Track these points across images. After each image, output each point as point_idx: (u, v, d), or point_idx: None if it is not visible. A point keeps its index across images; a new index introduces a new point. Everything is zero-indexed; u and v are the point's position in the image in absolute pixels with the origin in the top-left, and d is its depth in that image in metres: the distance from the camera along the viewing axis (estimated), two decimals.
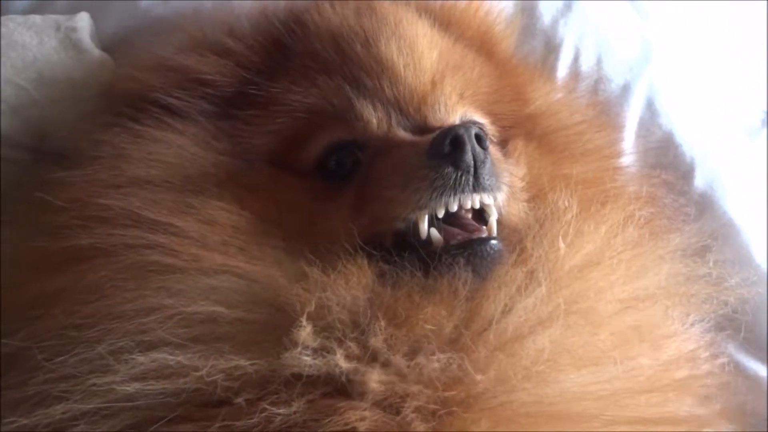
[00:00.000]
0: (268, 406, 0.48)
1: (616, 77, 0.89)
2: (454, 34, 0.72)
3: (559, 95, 0.82)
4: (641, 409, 0.55)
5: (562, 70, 0.88)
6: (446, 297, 0.52)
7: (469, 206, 0.57)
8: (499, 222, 0.59)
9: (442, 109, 0.64)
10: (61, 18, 0.73)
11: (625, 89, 0.89)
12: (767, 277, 0.85)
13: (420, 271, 0.54)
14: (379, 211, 0.58)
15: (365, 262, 0.55)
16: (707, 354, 0.66)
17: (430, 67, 0.66)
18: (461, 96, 0.67)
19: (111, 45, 0.76)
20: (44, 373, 0.53)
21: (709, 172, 0.88)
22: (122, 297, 0.55)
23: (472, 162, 0.56)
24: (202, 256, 0.55)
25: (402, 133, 0.60)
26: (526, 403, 0.51)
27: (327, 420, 0.48)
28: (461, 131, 0.56)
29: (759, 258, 0.85)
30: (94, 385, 0.51)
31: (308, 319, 0.51)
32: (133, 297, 0.54)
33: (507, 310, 0.53)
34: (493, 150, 0.62)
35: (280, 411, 0.48)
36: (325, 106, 0.64)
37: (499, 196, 0.59)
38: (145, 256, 0.55)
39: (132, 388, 0.50)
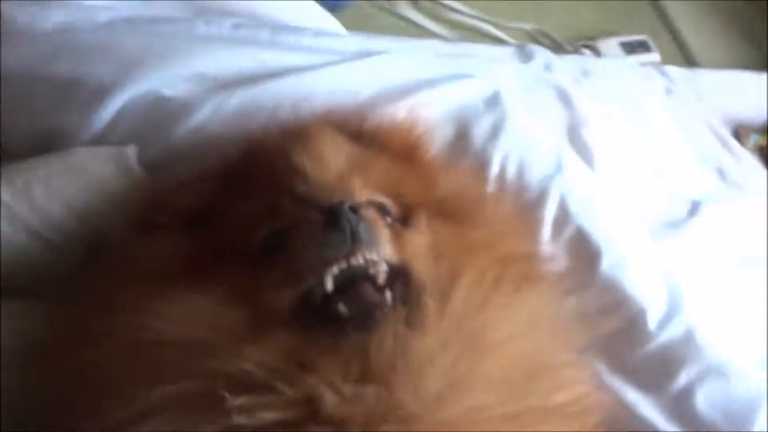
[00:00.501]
0: None
1: (533, 185, 1.11)
2: (368, 143, 0.92)
3: (463, 179, 1.00)
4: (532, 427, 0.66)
5: (491, 179, 1.11)
6: (350, 348, 0.67)
7: (354, 262, 0.71)
8: (407, 276, 0.76)
9: (349, 196, 0.77)
10: (116, 150, 0.97)
11: (542, 193, 1.10)
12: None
13: (330, 332, 0.68)
14: (296, 270, 0.72)
15: (287, 328, 0.69)
16: (590, 384, 0.79)
17: (335, 167, 0.81)
18: (365, 185, 0.80)
19: (151, 168, 1.00)
20: None
21: (615, 257, 1.07)
22: (121, 372, 0.68)
23: (348, 225, 0.70)
24: (173, 330, 0.68)
25: (313, 215, 0.75)
26: (443, 421, 0.63)
27: None
28: (335, 206, 0.72)
29: (651, 325, 1.03)
30: None
31: (235, 386, 0.63)
32: (128, 374, 0.67)
33: (404, 349, 0.66)
34: (372, 216, 0.77)
35: None
36: (260, 208, 0.79)
37: (382, 250, 0.73)
38: (136, 335, 0.68)
39: None
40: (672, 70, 1.85)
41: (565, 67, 1.56)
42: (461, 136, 1.14)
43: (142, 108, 1.05)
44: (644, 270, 1.11)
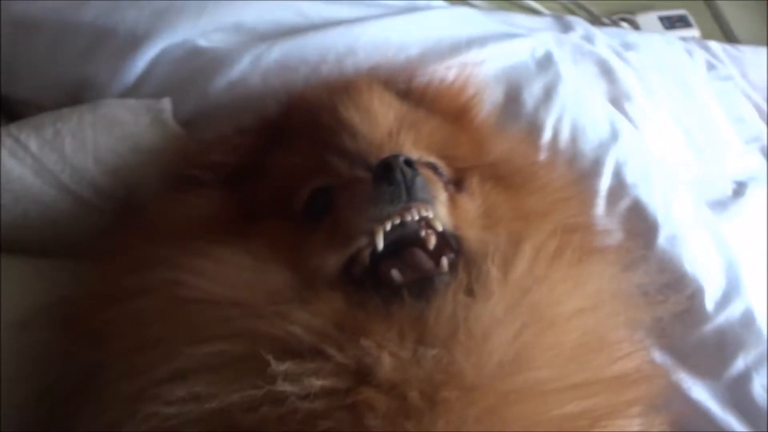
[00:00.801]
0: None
1: (588, 152, 1.05)
2: (417, 102, 0.87)
3: (515, 144, 0.95)
4: (595, 403, 0.64)
5: (543, 146, 1.04)
6: (406, 316, 0.63)
7: (409, 218, 0.67)
8: (459, 242, 0.72)
9: (399, 149, 0.75)
10: (150, 102, 0.92)
11: (596, 162, 1.04)
12: None
13: (383, 298, 0.64)
14: (345, 230, 0.68)
15: (334, 291, 0.65)
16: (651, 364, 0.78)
17: (385, 123, 0.78)
18: (415, 144, 0.77)
19: (187, 123, 0.95)
20: (109, 400, 0.63)
21: (671, 232, 1.01)
22: (157, 330, 0.64)
23: (402, 178, 0.66)
24: (214, 290, 0.66)
25: (362, 173, 0.73)
26: (506, 392, 0.60)
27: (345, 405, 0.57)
28: (390, 158, 0.68)
29: (709, 306, 0.98)
30: (147, 410, 0.59)
31: (280, 350, 0.59)
32: (166, 331, 0.64)
33: (465, 318, 0.63)
34: (428, 172, 0.73)
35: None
36: (307, 164, 0.78)
37: (439, 209, 0.70)
38: (173, 291, 0.66)
39: (177, 410, 0.58)
40: (714, 45, 1.77)
41: (606, 39, 1.49)
42: (512, 98, 1.08)
43: (177, 59, 0.99)
44: (701, 245, 1.05)
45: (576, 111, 1.09)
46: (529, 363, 0.63)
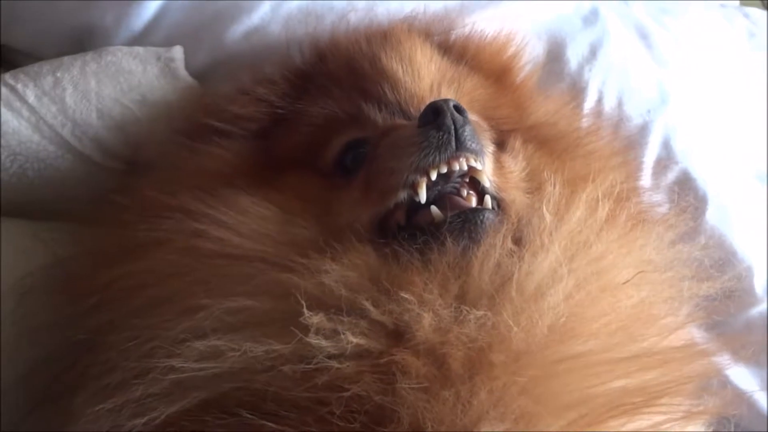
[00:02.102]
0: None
1: (635, 117, 0.96)
2: (458, 57, 0.80)
3: (558, 108, 0.87)
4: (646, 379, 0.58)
5: (587, 109, 0.95)
6: (447, 264, 0.57)
7: (457, 168, 0.60)
8: (501, 205, 0.65)
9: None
10: (160, 50, 0.83)
11: (644, 128, 0.95)
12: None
13: (422, 248, 0.58)
14: (383, 182, 0.62)
15: (367, 245, 0.60)
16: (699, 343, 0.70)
17: (428, 76, 0.74)
18: (458, 100, 0.69)
19: (200, 74, 0.87)
20: (120, 360, 0.57)
21: (720, 206, 0.93)
22: (173, 285, 0.60)
23: (452, 125, 0.60)
24: (237, 242, 0.61)
25: (402, 122, 0.67)
26: (555, 360, 0.55)
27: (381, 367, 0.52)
28: (440, 101, 0.62)
29: (758, 288, 0.90)
30: (161, 368, 0.54)
31: (315, 305, 0.55)
32: (183, 286, 0.59)
33: (522, 268, 0.57)
34: (475, 120, 0.66)
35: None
36: (339, 114, 0.72)
37: (486, 162, 0.64)
38: (192, 242, 0.61)
39: (194, 367, 0.54)
40: (754, 12, 1.64)
41: (643, 2, 1.37)
42: (554, 56, 0.98)
43: (189, 4, 0.89)
44: (752, 224, 0.96)
45: (623, 72, 0.99)
46: (580, 329, 0.57)
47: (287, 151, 0.73)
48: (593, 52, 0.99)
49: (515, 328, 0.54)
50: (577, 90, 0.96)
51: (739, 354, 0.88)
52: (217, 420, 0.52)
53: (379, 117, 0.69)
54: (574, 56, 0.98)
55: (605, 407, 0.55)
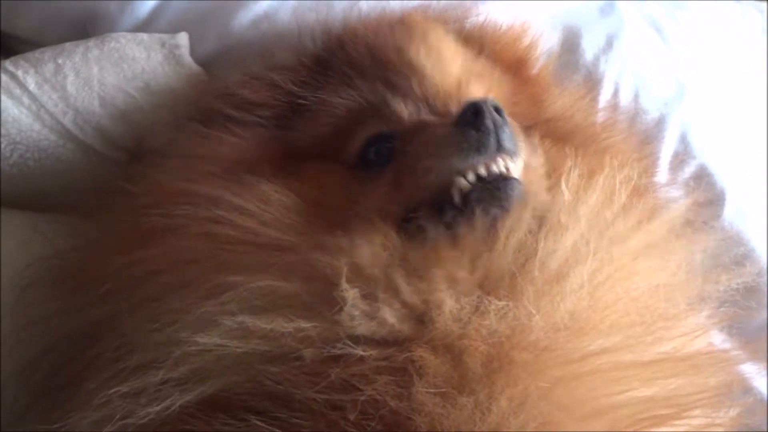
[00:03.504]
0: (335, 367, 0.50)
1: (651, 111, 0.91)
2: (478, 50, 0.77)
3: (574, 101, 0.83)
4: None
5: (602, 102, 0.90)
6: (475, 239, 0.56)
7: (495, 169, 0.59)
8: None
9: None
10: (165, 36, 0.80)
11: (660, 122, 0.91)
12: None
13: (450, 222, 0.58)
14: (417, 181, 0.61)
15: (390, 227, 0.58)
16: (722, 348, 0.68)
17: (455, 71, 0.71)
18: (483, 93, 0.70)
19: (207, 62, 0.83)
20: (133, 345, 0.55)
21: (738, 203, 0.90)
22: (192, 270, 0.57)
23: (492, 126, 0.59)
24: (259, 230, 0.59)
25: (432, 119, 0.65)
26: (579, 358, 0.52)
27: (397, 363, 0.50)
28: (480, 102, 0.60)
29: None
30: (183, 348, 0.52)
31: (346, 282, 0.53)
32: (203, 271, 0.57)
33: (550, 248, 0.55)
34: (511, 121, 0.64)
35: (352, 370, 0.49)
36: (363, 106, 0.69)
37: (520, 162, 0.62)
38: (211, 228, 0.59)
39: (219, 343, 0.52)
40: None
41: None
42: (570, 47, 0.93)
43: None
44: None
45: (640, 64, 0.95)
46: (601, 317, 0.55)
47: (307, 140, 0.69)
48: (609, 43, 0.94)
49: (536, 315, 0.52)
50: (592, 81, 0.92)
51: (757, 356, 0.85)
52: (225, 426, 0.50)
53: (405, 111, 0.67)
54: (589, 47, 0.94)
55: (632, 419, 0.52)
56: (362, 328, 0.51)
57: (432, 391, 0.48)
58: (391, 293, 0.53)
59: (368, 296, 0.53)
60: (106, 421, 0.52)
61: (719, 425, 0.59)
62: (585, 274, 0.55)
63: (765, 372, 0.83)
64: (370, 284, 0.54)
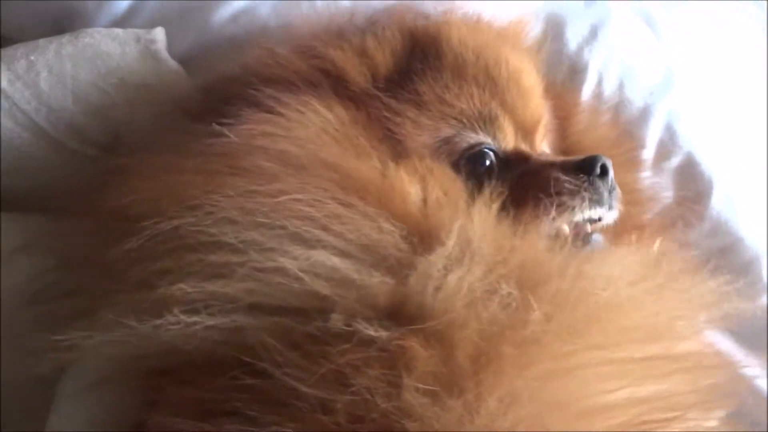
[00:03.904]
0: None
1: (636, 100, 0.90)
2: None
3: (586, 123, 0.86)
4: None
5: (587, 92, 0.90)
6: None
7: (602, 220, 0.69)
8: None
9: (538, 140, 0.75)
10: (140, 31, 0.78)
11: (645, 112, 0.90)
12: None
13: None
14: (535, 213, 0.65)
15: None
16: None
17: (539, 99, 0.76)
18: (544, 131, 0.77)
19: (186, 58, 0.81)
20: (214, 248, 0.53)
21: (726, 191, 0.89)
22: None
23: (609, 182, 0.68)
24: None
25: (527, 149, 0.72)
26: (568, 353, 0.51)
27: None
28: (607, 160, 0.69)
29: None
30: (259, 263, 0.51)
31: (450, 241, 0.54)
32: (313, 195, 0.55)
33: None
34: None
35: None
36: (474, 112, 0.70)
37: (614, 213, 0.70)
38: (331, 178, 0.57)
39: (299, 274, 0.50)
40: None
41: None
42: (554, 36, 0.92)
43: None
44: (760, 209, 0.91)
45: (625, 54, 0.93)
46: (595, 315, 0.54)
47: (411, 132, 0.68)
48: (594, 33, 0.93)
49: (536, 310, 0.51)
50: (575, 72, 0.91)
51: (750, 345, 0.84)
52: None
53: (510, 132, 0.72)
54: (573, 36, 0.93)
55: (626, 424, 0.51)
56: (427, 296, 0.51)
57: (421, 389, 0.47)
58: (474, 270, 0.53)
59: (456, 264, 0.53)
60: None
61: (713, 427, 0.58)
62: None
63: (765, 369, 0.82)
64: (466, 254, 0.54)
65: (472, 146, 0.69)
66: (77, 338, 0.53)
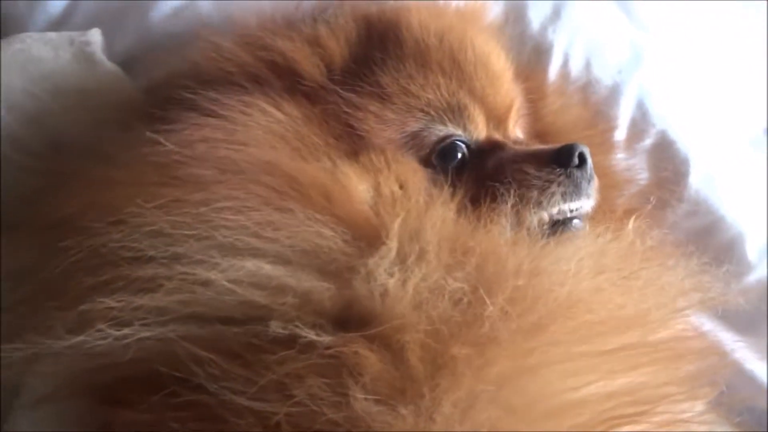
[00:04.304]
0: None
1: (605, 79, 0.87)
2: None
3: (558, 104, 0.83)
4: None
5: (553, 74, 0.86)
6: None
7: (579, 209, 0.66)
8: None
9: (511, 126, 0.71)
10: (74, 34, 0.74)
11: (614, 91, 0.87)
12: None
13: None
14: (511, 203, 0.61)
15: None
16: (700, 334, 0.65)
17: (509, 84, 0.73)
18: (517, 116, 0.74)
19: (125, 60, 0.78)
20: (141, 262, 0.50)
21: (705, 169, 0.86)
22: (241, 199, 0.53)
23: (592, 172, 0.65)
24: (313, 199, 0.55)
25: (500, 138, 0.69)
26: (527, 351, 0.49)
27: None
28: (584, 148, 0.65)
29: (751, 254, 0.83)
30: (189, 275, 0.49)
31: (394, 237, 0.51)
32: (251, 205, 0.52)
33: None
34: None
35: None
36: (441, 103, 0.67)
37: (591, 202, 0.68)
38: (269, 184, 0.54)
39: (223, 285, 0.48)
40: None
41: None
42: (515, 17, 0.88)
43: None
44: (740, 186, 0.88)
45: (591, 32, 0.90)
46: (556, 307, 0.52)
47: (373, 127, 0.65)
48: (557, 12, 0.90)
49: (490, 306, 0.48)
50: (540, 53, 0.87)
51: (736, 325, 0.81)
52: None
53: (481, 121, 0.68)
54: (536, 17, 0.89)
55: (594, 420, 0.48)
56: (373, 300, 0.48)
57: (371, 397, 0.44)
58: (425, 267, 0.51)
59: (401, 265, 0.50)
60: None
61: (691, 420, 0.55)
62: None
63: (765, 355, 0.80)
64: (412, 254, 0.51)
65: (441, 139, 0.67)
66: (15, 354, 0.51)
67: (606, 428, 0.48)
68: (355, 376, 0.45)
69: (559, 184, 0.64)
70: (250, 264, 0.49)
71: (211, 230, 0.50)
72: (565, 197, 0.64)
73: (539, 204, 0.64)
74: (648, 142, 0.87)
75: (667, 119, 0.88)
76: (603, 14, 0.93)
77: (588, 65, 0.88)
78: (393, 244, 0.51)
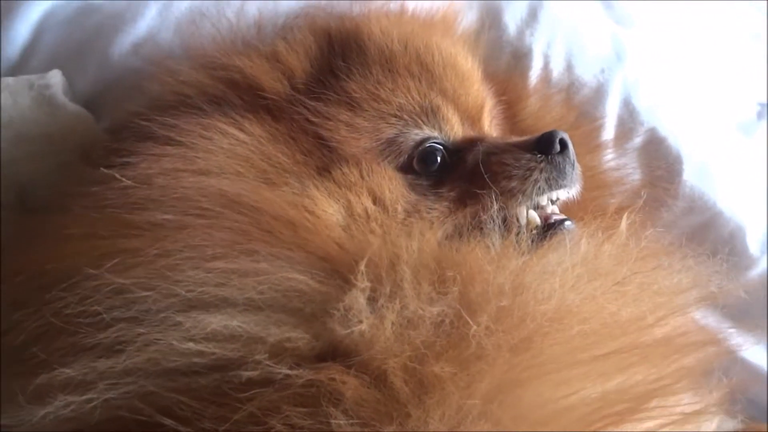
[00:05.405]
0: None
1: (588, 80, 0.85)
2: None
3: (538, 106, 0.81)
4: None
5: (533, 78, 0.84)
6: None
7: (564, 197, 0.65)
8: None
9: (485, 124, 0.71)
10: (33, 77, 0.72)
11: (599, 91, 0.85)
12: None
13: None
14: (494, 201, 0.60)
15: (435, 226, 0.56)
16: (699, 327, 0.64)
17: (479, 83, 0.72)
18: (490, 117, 0.73)
19: (89, 99, 0.76)
20: (100, 326, 0.48)
21: (698, 164, 0.84)
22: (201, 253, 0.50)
23: (571, 159, 0.64)
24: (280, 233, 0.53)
25: (476, 135, 0.67)
26: (515, 365, 0.48)
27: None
28: (565, 135, 0.64)
29: (753, 247, 0.81)
30: (153, 339, 0.47)
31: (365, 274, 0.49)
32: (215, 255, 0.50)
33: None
34: None
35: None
36: (413, 106, 0.65)
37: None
38: (232, 225, 0.52)
39: (189, 347, 0.46)
40: None
41: None
42: (491, 23, 0.86)
43: (68, 20, 0.78)
44: (736, 178, 0.86)
45: (570, 31, 0.88)
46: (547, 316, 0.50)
47: (346, 137, 0.63)
48: (533, 14, 0.87)
49: (474, 326, 0.47)
50: (518, 57, 0.85)
51: (741, 322, 0.79)
52: None
53: (456, 122, 0.67)
54: (512, 20, 0.87)
55: (585, 421, 0.46)
56: (352, 336, 0.47)
57: (355, 421, 0.43)
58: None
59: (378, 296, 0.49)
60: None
61: (701, 411, 0.55)
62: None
63: (765, 343, 0.78)
64: (388, 283, 0.49)
65: (419, 143, 0.65)
66: None
67: (598, 428, 0.47)
68: (335, 402, 0.44)
69: (541, 171, 0.63)
70: (219, 319, 0.47)
71: (172, 286, 0.47)
72: (550, 183, 0.63)
73: (524, 193, 0.62)
74: (638, 140, 0.85)
75: (654, 114, 0.86)
76: (581, 12, 0.91)
77: (569, 66, 0.86)
78: (364, 284, 0.49)
